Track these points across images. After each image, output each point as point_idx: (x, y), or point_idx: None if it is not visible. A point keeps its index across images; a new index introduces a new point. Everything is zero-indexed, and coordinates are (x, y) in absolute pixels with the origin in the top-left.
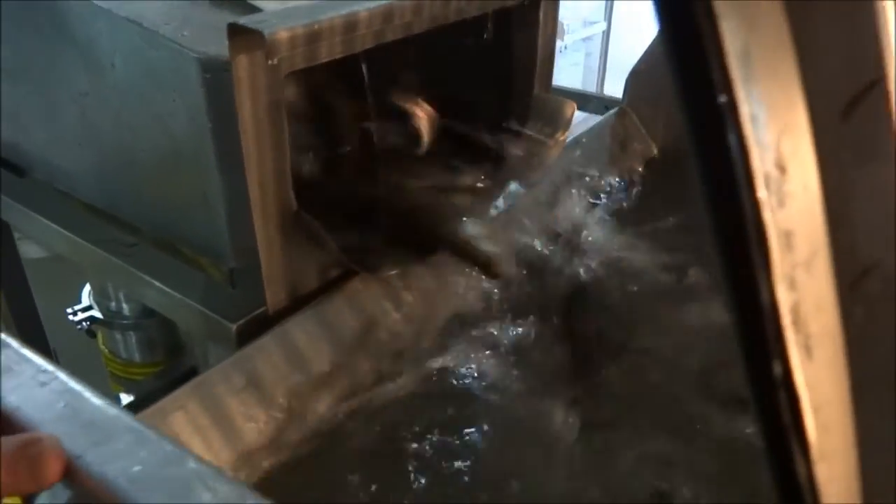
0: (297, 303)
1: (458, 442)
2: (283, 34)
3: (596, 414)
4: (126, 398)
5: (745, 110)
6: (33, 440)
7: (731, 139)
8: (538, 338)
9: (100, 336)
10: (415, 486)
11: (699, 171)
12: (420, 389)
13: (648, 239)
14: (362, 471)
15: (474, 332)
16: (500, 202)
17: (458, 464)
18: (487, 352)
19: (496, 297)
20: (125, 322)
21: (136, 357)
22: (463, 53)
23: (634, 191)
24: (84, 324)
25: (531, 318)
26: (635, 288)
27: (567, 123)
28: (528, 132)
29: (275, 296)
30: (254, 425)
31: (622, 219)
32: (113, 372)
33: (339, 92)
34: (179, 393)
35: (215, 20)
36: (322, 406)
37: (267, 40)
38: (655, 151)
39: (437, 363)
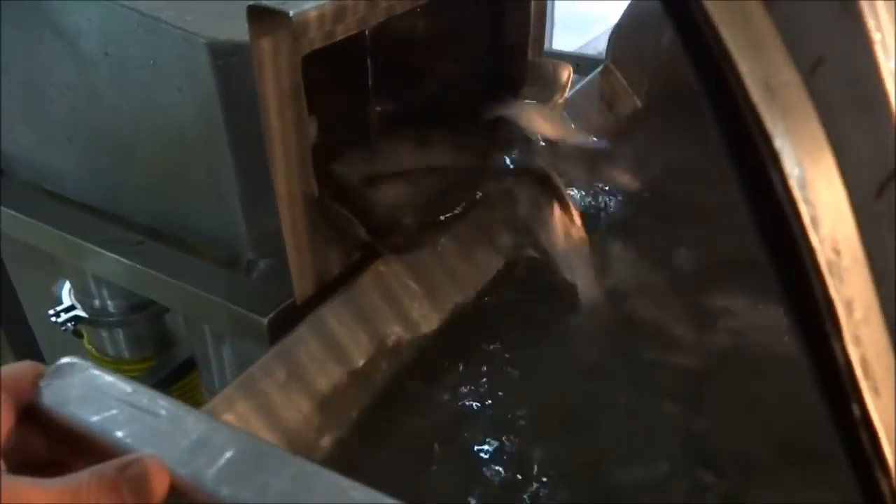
0: (323, 290)
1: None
2: (312, 14)
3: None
4: None
5: (804, 212)
6: (134, 460)
7: (800, 242)
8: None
9: (84, 335)
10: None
11: (772, 266)
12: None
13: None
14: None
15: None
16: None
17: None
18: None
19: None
20: (111, 319)
21: (126, 354)
22: (455, 24)
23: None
24: (69, 325)
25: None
26: None
27: (564, 87)
28: (526, 99)
29: (303, 285)
30: (301, 418)
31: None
32: None
33: (334, 74)
34: (228, 392)
35: (213, 4)
36: (364, 394)
37: (294, 21)
38: (640, 106)
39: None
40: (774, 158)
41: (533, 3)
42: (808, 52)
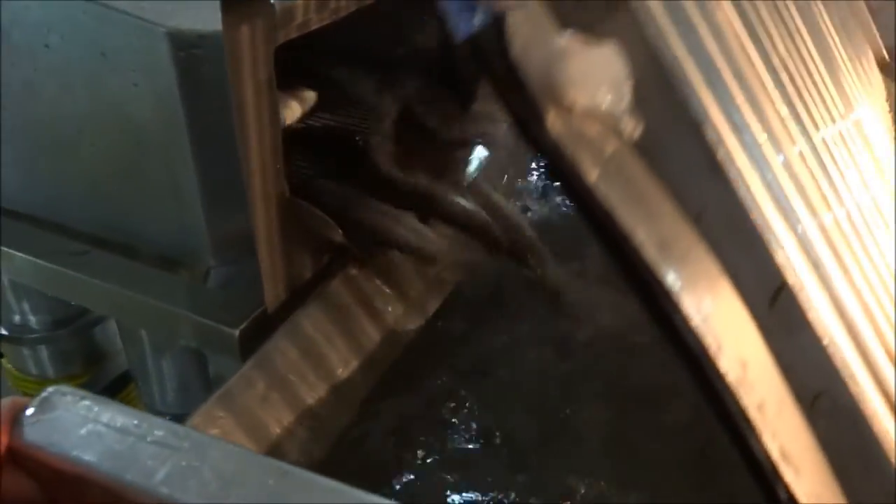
0: (293, 296)
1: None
2: (297, 2)
3: None
4: None
5: (709, 345)
6: None
7: (709, 369)
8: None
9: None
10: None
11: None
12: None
13: None
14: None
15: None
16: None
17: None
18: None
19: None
20: (34, 336)
21: (50, 372)
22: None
23: None
24: None
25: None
26: None
27: None
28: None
29: (275, 291)
30: (285, 430)
31: None
32: (26, 392)
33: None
34: (208, 407)
35: None
36: (345, 405)
37: (277, 9)
38: None
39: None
40: (675, 308)
41: None
42: (692, 204)
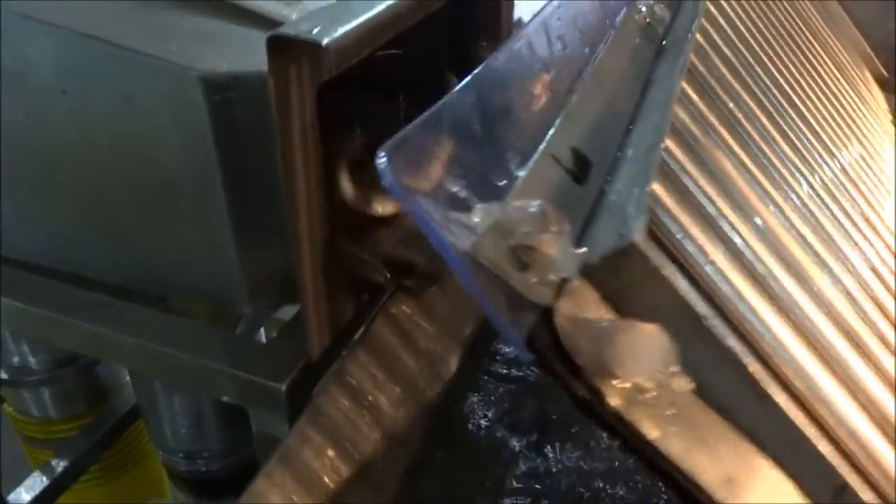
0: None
1: None
2: (345, 40)
3: None
4: (60, 462)
5: None
6: None
7: None
8: None
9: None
10: None
11: None
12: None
13: None
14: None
15: None
16: None
17: None
18: None
19: None
20: (35, 378)
21: (53, 413)
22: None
23: None
24: None
25: None
26: None
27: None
28: None
29: (319, 339)
30: (344, 485)
31: None
32: (29, 435)
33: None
34: (270, 469)
35: (193, 26)
36: (399, 453)
37: (330, 50)
38: None
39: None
40: None
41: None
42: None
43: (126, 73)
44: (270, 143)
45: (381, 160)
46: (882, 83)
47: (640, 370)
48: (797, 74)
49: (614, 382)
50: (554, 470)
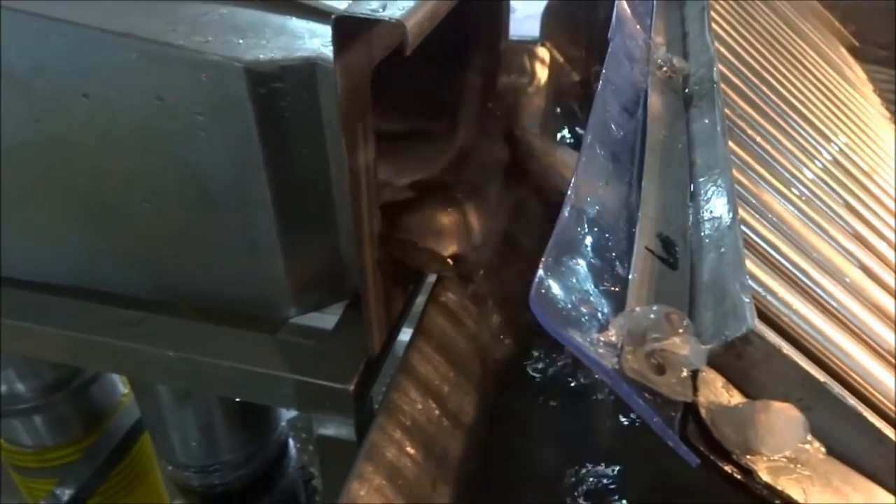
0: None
1: None
2: (418, 16)
3: None
4: (65, 491)
5: None
6: None
7: None
8: None
9: None
10: None
11: None
12: None
13: None
14: None
15: None
16: None
17: None
18: None
19: None
20: (27, 406)
21: (48, 441)
22: None
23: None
24: None
25: None
26: None
27: (539, 69)
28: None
29: (379, 335)
30: (429, 479)
31: None
32: (21, 465)
33: None
34: (359, 468)
35: (223, 18)
36: (473, 438)
37: (409, 30)
38: (577, 79)
39: None
40: None
41: None
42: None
43: (157, 71)
44: (317, 135)
45: (535, 306)
46: (854, 52)
47: (781, 445)
48: (803, 88)
49: (761, 459)
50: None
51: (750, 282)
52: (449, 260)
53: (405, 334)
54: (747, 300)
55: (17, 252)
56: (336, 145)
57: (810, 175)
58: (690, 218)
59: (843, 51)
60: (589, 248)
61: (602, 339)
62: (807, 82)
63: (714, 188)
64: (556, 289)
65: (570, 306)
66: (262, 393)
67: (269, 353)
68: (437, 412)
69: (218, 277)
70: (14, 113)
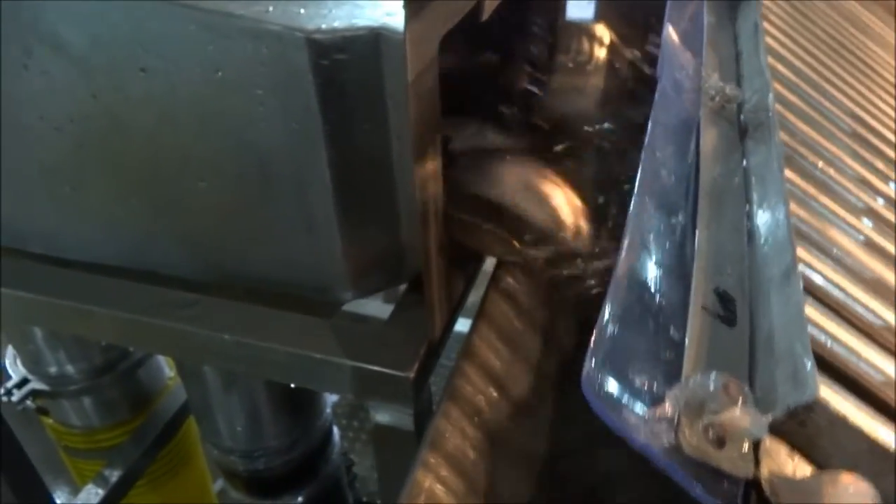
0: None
1: None
2: None
3: None
4: (114, 472)
5: None
6: None
7: None
8: None
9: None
10: None
11: None
12: None
13: None
14: None
15: None
16: None
17: None
18: None
19: None
20: (76, 387)
21: (96, 422)
22: None
23: None
24: (27, 402)
25: None
26: None
27: (597, 48)
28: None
29: (441, 319)
30: (491, 466)
31: None
32: (70, 446)
33: None
34: (424, 456)
35: None
36: (537, 425)
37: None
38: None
39: None
40: None
41: None
42: None
43: (219, 43)
44: (379, 111)
45: (586, 389)
46: None
47: None
48: (872, 96)
49: None
50: None
51: (814, 330)
52: (515, 243)
53: (459, 324)
54: (809, 364)
55: (72, 232)
56: (398, 121)
57: (881, 201)
58: (747, 263)
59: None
60: (644, 315)
61: (658, 413)
62: (876, 87)
63: (771, 228)
64: (608, 364)
65: (624, 382)
66: (318, 379)
67: (325, 337)
68: (498, 397)
69: (274, 259)
70: (70, 89)
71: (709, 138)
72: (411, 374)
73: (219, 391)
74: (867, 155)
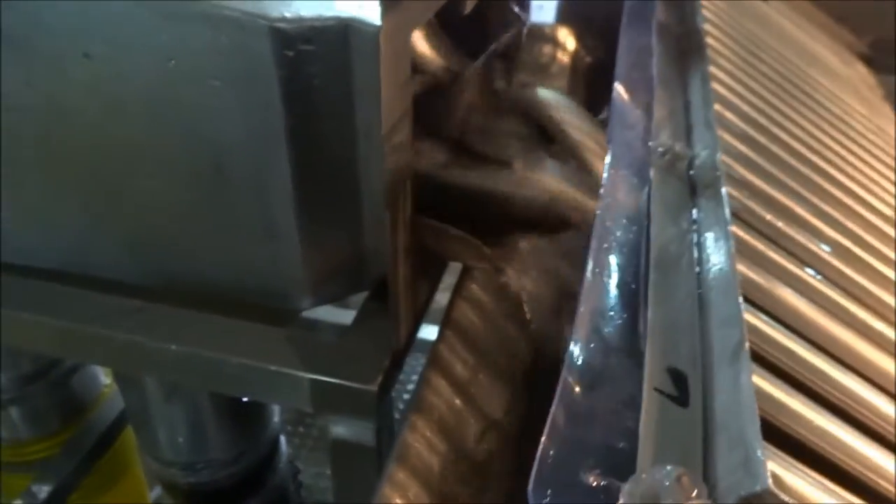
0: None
1: None
2: None
3: None
4: (42, 487)
5: None
6: None
7: None
8: None
9: None
10: None
11: None
12: None
13: None
14: None
15: None
16: None
17: None
18: None
19: None
20: (4, 397)
21: (24, 435)
22: None
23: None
24: None
25: None
26: None
27: (560, 53)
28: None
29: (406, 328)
30: (459, 480)
31: None
32: None
33: None
34: (391, 471)
35: None
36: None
37: None
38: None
39: None
40: None
41: None
42: None
43: (170, 30)
44: (345, 107)
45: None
46: (866, 59)
47: None
48: (817, 132)
49: None
50: None
51: (763, 403)
52: (486, 249)
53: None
54: (760, 453)
55: (7, 233)
56: (365, 118)
57: (827, 248)
58: (699, 335)
59: (859, 66)
60: (596, 406)
61: None
62: (823, 123)
63: (720, 297)
64: (559, 465)
65: (575, 488)
66: (274, 393)
67: (282, 348)
68: (467, 408)
69: (227, 263)
70: (5, 75)
71: (659, 199)
72: (374, 388)
73: (159, 400)
74: (816, 200)
